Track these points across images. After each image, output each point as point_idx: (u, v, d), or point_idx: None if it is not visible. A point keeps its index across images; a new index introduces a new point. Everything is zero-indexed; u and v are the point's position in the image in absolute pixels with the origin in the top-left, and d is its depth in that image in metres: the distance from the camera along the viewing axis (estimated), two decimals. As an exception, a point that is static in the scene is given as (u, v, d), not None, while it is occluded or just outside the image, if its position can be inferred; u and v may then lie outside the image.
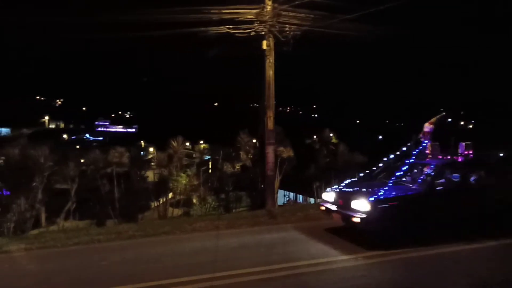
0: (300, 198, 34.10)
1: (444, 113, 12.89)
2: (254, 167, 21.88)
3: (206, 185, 25.01)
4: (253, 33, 12.12)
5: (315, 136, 30.21)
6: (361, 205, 7.34)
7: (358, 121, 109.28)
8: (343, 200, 8.04)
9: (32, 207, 16.68)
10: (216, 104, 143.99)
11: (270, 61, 12.08)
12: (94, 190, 21.83)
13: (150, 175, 28.83)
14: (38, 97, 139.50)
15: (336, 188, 8.90)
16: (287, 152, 21.06)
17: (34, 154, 15.84)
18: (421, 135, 9.95)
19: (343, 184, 9.08)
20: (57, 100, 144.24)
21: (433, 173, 8.24)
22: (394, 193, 7.69)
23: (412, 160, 9.05)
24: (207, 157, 32.68)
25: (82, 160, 23.53)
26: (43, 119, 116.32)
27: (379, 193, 7.50)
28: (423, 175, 8.52)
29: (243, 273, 6.05)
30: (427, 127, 10.19)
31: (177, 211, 23.89)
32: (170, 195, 25.95)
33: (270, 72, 12.08)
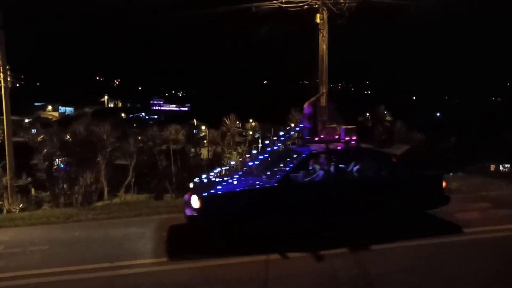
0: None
1: (321, 93, 11.43)
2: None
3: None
4: (306, 6, 11.79)
5: (368, 114, 29.27)
6: (194, 201, 6.31)
7: (414, 98, 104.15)
8: (190, 193, 6.91)
9: (96, 180, 17.90)
10: (266, 82, 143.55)
11: (323, 35, 11.73)
12: (151, 165, 22.88)
13: (204, 152, 29.63)
14: (97, 78, 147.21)
15: (198, 179, 7.72)
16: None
17: (97, 131, 16.84)
18: (301, 118, 8.74)
19: (212, 174, 8.04)
20: (115, 80, 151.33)
21: (293, 164, 6.76)
22: (237, 187, 6.53)
23: (276, 148, 8.04)
24: (258, 135, 32.88)
25: (139, 137, 24.66)
26: (103, 99, 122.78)
27: (218, 187, 6.42)
28: (288, 166, 6.91)
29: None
30: (306, 108, 8.84)
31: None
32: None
33: (323, 47, 11.76)
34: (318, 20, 11.69)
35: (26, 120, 65.02)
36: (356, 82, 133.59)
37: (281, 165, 7.16)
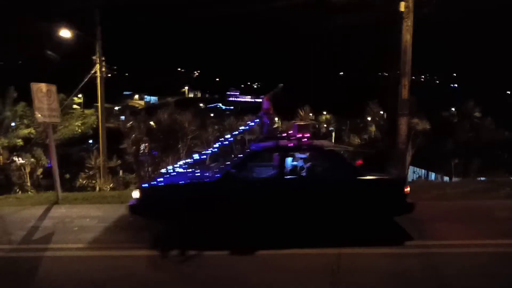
0: (432, 176, 31.47)
1: (281, 85, 10.04)
2: (383, 140, 20.81)
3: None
4: (390, -6, 11.23)
5: (453, 108, 27.16)
6: (135, 192, 6.30)
7: (508, 92, 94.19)
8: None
9: (177, 165, 18.99)
10: (342, 73, 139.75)
11: (407, 24, 11.09)
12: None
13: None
14: (179, 69, 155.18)
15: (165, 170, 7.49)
16: (422, 125, 19.32)
17: (180, 119, 17.86)
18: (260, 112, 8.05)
19: (177, 166, 7.85)
20: (195, 72, 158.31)
21: (236, 160, 6.45)
22: (180, 180, 6.44)
23: (226, 143, 7.13)
24: (331, 127, 32.37)
25: (216, 127, 25.60)
26: (183, 89, 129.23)
27: (159, 179, 6.37)
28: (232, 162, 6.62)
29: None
30: (264, 102, 8.26)
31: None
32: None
33: (407, 37, 11.13)
34: (402, 9, 11.07)
35: (116, 108, 70.95)
36: (441, 74, 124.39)
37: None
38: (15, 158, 20.12)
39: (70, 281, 5.00)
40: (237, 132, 8.07)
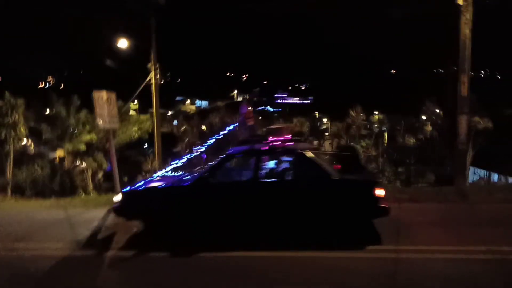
0: (495, 177, 29.41)
1: (257, 89, 8.77)
2: (441, 140, 19.80)
3: (384, 156, 24.12)
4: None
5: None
6: (118, 195, 6.55)
7: None
8: None
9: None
10: (394, 71, 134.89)
11: (466, 17, 10.48)
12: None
13: (327, 145, 29.50)
14: (228, 74, 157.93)
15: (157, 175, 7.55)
16: (484, 123, 18.19)
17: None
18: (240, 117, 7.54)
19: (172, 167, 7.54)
20: (243, 76, 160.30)
21: (211, 164, 6.47)
22: (155, 185, 6.58)
23: (205, 146, 7.05)
24: (384, 127, 31.36)
25: (265, 129, 25.76)
26: (233, 93, 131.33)
27: (139, 184, 6.56)
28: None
29: (429, 249, 5.69)
30: (243, 107, 8.22)
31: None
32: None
33: (466, 31, 10.52)
34: (460, 2, 10.50)
35: (169, 113, 73.62)
36: (504, 69, 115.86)
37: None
38: (79, 162, 21.54)
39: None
40: (221, 135, 8.09)
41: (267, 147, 6.57)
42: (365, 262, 5.38)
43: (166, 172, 8.60)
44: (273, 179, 6.40)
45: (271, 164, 6.79)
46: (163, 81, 19.48)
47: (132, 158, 25.21)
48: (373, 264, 5.30)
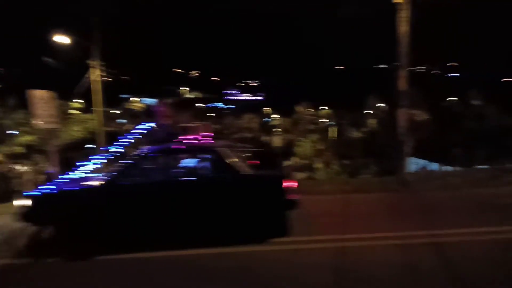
0: (435, 166, 31.41)
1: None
2: (383, 132, 20.81)
3: (331, 150, 24.90)
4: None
5: (454, 98, 27.16)
6: (26, 200, 6.10)
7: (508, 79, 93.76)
8: None
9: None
10: (342, 67, 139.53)
11: (404, 15, 11.03)
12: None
13: (277, 140, 29.92)
14: (177, 70, 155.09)
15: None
16: (421, 116, 19.37)
17: (179, 120, 17.88)
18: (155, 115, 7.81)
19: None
20: (193, 72, 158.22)
21: (122, 165, 6.27)
22: (66, 187, 6.30)
23: (117, 146, 7.16)
24: (331, 122, 32.33)
25: (216, 126, 25.64)
26: (182, 90, 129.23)
27: (45, 186, 6.25)
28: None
29: (374, 237, 5.93)
30: (157, 105, 7.96)
31: (301, 175, 24.43)
32: (295, 159, 26.60)
33: (403, 28, 11.07)
34: (398, 0, 11.03)
35: (115, 111, 70.96)
36: (443, 64, 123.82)
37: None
38: (16, 166, 20.17)
39: None
40: (131, 136, 7.83)
41: (179, 146, 6.54)
42: (291, 253, 5.48)
43: (82, 172, 7.99)
44: (185, 177, 6.28)
45: (184, 162, 6.65)
46: (108, 79, 18.76)
47: (75, 159, 23.97)
48: (314, 253, 5.40)
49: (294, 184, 6.17)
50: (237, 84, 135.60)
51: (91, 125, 23.39)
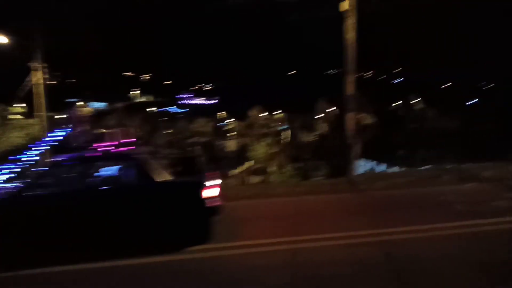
0: (382, 167, 32.88)
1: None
2: (333, 135, 21.48)
3: (284, 153, 25.30)
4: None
5: (399, 102, 28.62)
6: None
7: (450, 84, 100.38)
8: None
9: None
10: (294, 71, 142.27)
11: (351, 22, 11.49)
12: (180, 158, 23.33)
13: (231, 144, 29.92)
14: (128, 73, 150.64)
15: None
16: (368, 119, 20.23)
17: (128, 125, 17.36)
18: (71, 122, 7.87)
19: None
20: (146, 75, 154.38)
21: (30, 176, 6.45)
22: None
23: (30, 155, 7.06)
24: (284, 126, 32.85)
25: (169, 131, 25.19)
26: (133, 94, 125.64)
27: None
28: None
29: (325, 237, 6.08)
30: (74, 112, 7.93)
31: (256, 179, 24.62)
32: (249, 163, 26.74)
33: (350, 35, 11.52)
34: (345, 7, 11.46)
35: (62, 116, 67.55)
36: (388, 70, 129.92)
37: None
38: None
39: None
40: (45, 144, 7.41)
41: (94, 153, 6.34)
42: (210, 260, 5.44)
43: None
44: (100, 186, 6.05)
45: (100, 170, 6.41)
46: (52, 82, 17.83)
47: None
48: (270, 255, 5.45)
49: (215, 190, 6.06)
50: (191, 88, 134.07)
51: (33, 130, 22.09)
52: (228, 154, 26.87)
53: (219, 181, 6.41)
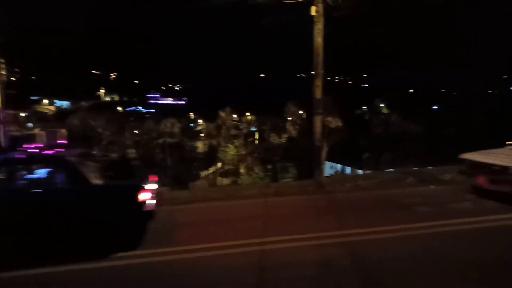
0: (348, 170, 33.65)
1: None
2: (302, 138, 21.76)
3: (253, 155, 25.38)
4: (302, -1, 11.72)
5: (365, 107, 29.37)
6: None
7: (411, 91, 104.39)
8: None
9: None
10: (264, 75, 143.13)
11: (318, 27, 11.67)
12: (148, 159, 22.91)
13: (201, 145, 29.68)
14: (94, 71, 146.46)
15: None
16: (335, 123, 20.64)
17: (92, 125, 16.86)
18: None
19: None
20: (112, 74, 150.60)
21: None
22: None
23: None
24: (254, 128, 32.95)
25: (136, 131, 24.66)
26: (99, 93, 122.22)
27: None
28: None
29: (293, 238, 6.13)
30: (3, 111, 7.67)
31: (225, 181, 24.54)
32: (219, 165, 26.63)
33: (318, 40, 11.70)
34: (313, 13, 11.63)
35: (22, 114, 64.68)
36: (354, 75, 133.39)
37: None
38: None
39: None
40: None
41: (20, 156, 6.10)
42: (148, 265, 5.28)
43: None
44: (27, 190, 5.79)
45: (27, 173, 6.13)
46: (12, 78, 17.03)
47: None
48: (236, 257, 5.45)
49: (151, 194, 5.92)
50: (159, 88, 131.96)
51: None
52: (199, 156, 26.65)
53: (156, 185, 6.22)
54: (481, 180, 7.83)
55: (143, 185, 5.91)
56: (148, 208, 5.83)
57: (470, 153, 8.37)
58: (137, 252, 5.72)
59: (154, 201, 5.96)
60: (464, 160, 8.37)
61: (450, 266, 4.82)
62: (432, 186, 9.68)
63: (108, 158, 7.64)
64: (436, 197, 8.41)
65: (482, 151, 8.39)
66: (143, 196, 5.78)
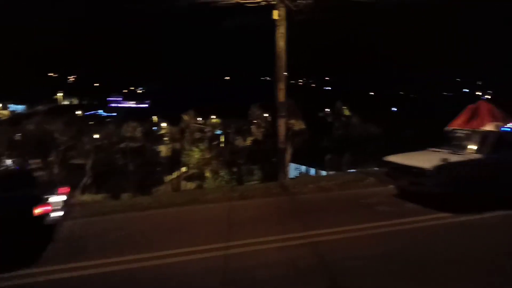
0: (312, 171, 34.20)
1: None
2: (266, 141, 21.91)
3: (218, 159, 25.26)
4: (264, 2, 11.81)
5: (327, 109, 30.03)
6: None
7: (372, 93, 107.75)
8: None
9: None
10: (228, 78, 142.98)
11: (281, 31, 11.80)
12: (109, 164, 22.25)
13: (164, 149, 29.19)
14: (51, 74, 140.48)
15: None
16: (298, 125, 20.95)
17: (49, 130, 16.17)
18: None
19: None
20: (70, 77, 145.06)
21: None
22: None
23: None
24: (218, 131, 32.84)
25: (96, 136, 23.89)
26: (57, 96, 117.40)
27: None
28: None
29: (258, 241, 6.15)
30: None
31: (190, 185, 24.27)
32: (184, 169, 26.30)
33: (280, 43, 11.83)
34: (275, 17, 11.74)
35: (-28, 119, 60.98)
36: (317, 78, 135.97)
37: None
38: None
39: None
40: None
41: None
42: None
43: None
44: None
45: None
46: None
47: None
48: (199, 262, 5.39)
49: (49, 207, 5.53)
50: (122, 91, 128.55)
51: None
52: (163, 160, 26.19)
53: (64, 197, 5.85)
54: (402, 182, 8.03)
55: (42, 197, 5.43)
56: (50, 222, 5.40)
57: (393, 155, 8.50)
58: (101, 261, 5.44)
59: (58, 214, 5.54)
60: (388, 162, 8.54)
61: (414, 263, 5.03)
62: (391, 186, 10.02)
63: (5, 168, 7.09)
64: (394, 197, 8.71)
65: (406, 153, 8.51)
66: (41, 209, 5.30)
